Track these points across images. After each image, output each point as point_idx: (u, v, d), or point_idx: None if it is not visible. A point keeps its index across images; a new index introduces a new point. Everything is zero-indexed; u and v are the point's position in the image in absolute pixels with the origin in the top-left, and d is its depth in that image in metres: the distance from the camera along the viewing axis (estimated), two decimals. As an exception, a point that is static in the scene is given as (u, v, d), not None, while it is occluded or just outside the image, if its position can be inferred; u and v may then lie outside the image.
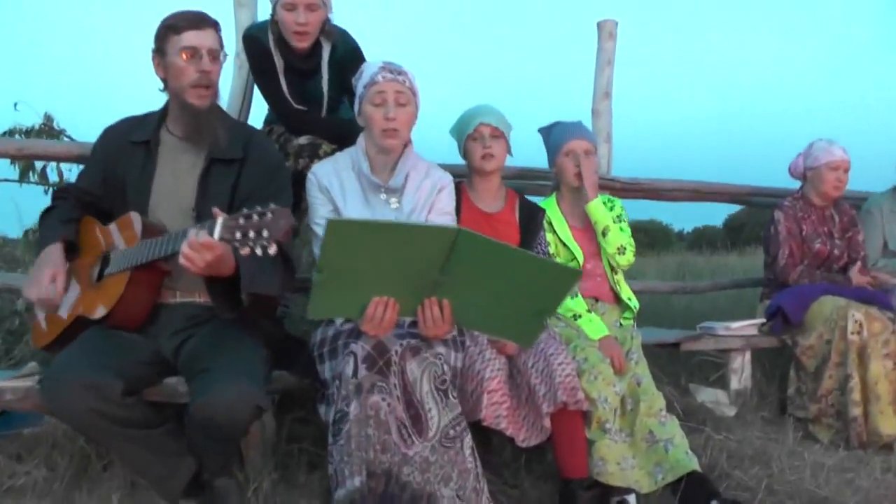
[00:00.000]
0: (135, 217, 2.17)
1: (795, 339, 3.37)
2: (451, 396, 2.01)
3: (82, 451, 2.42)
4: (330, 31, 2.81)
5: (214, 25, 2.23)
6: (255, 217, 1.78)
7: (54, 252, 2.17)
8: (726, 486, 2.57)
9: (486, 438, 2.73)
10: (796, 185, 3.73)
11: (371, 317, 1.87)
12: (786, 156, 3.77)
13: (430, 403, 1.97)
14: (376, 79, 2.27)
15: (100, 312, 2.13)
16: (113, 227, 2.22)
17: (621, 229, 2.87)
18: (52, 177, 4.17)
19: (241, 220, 1.79)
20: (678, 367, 3.67)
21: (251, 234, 1.77)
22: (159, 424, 2.10)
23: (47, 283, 2.11)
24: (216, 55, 2.24)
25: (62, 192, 2.41)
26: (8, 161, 3.56)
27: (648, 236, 18.43)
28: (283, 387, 2.41)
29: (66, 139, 4.34)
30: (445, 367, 2.04)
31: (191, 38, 2.18)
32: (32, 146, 3.04)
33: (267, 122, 3.12)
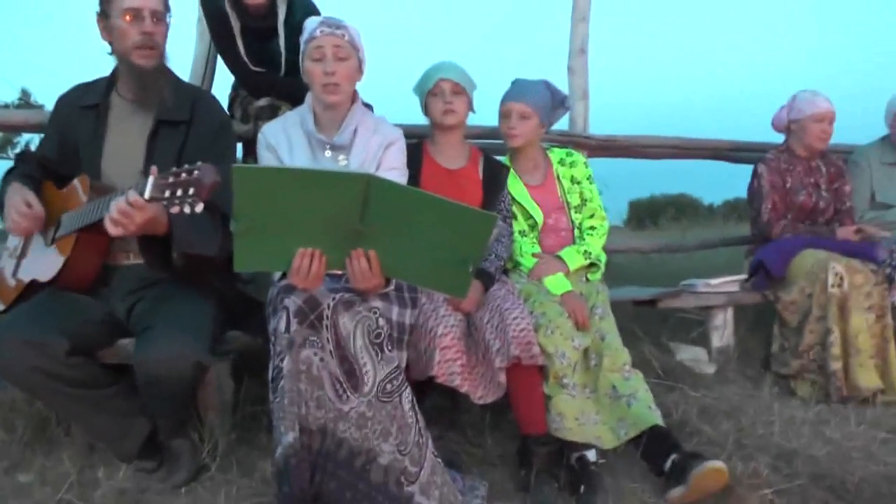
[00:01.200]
0: (84, 180, 2.18)
1: (777, 295, 3.30)
2: (386, 350, 1.98)
3: (40, 413, 2.44)
4: None
5: None
6: (184, 175, 1.77)
7: (17, 187, 2.17)
8: (697, 442, 2.54)
9: (453, 399, 2.71)
10: (782, 139, 3.63)
11: (298, 269, 1.84)
12: (770, 110, 3.68)
13: (364, 358, 1.94)
14: (315, 34, 2.23)
15: (48, 275, 2.14)
16: (66, 190, 2.23)
17: (590, 191, 2.85)
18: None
19: (171, 179, 1.78)
20: (660, 326, 3.61)
21: (179, 192, 1.76)
22: (109, 385, 2.11)
23: (24, 206, 2.11)
24: (160, 16, 2.22)
25: (23, 156, 2.42)
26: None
27: (676, 210, 18.15)
28: (240, 347, 2.41)
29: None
30: (381, 321, 2.01)
31: None
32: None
33: (234, 87, 3.11)
